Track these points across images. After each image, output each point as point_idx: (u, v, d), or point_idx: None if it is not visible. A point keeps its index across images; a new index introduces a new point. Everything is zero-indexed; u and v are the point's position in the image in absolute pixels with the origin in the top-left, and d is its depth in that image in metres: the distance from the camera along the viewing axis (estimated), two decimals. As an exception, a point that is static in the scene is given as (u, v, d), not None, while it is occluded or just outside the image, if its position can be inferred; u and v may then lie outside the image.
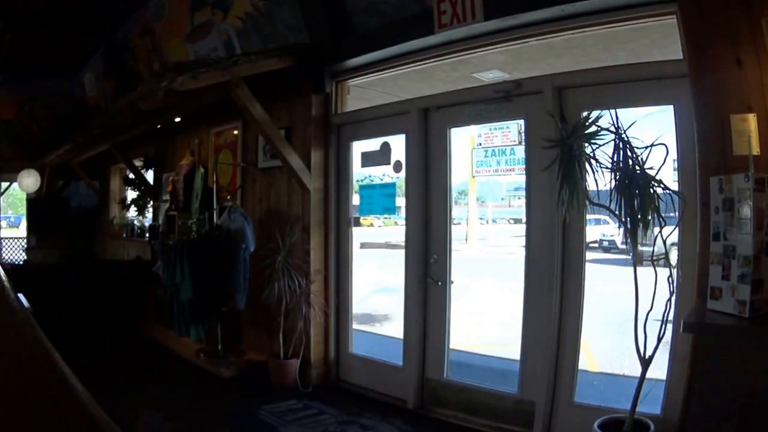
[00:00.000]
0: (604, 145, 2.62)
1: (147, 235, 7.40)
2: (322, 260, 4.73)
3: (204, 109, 5.42)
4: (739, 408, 2.01)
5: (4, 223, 16.99)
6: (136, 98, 4.67)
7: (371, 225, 23.03)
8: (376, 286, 9.96)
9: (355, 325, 4.89)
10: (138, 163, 7.74)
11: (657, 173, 2.55)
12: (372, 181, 6.18)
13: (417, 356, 4.10)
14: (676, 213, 2.67)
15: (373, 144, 4.67)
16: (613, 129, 2.59)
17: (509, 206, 28.87)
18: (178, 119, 6.08)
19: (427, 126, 4.17)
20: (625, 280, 3.11)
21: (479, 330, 6.98)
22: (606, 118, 2.63)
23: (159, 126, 6.34)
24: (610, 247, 14.63)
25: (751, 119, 2.42)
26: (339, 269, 4.77)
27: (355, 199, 4.92)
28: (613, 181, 2.61)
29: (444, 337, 4.05)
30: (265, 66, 4.38)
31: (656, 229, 2.61)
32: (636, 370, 2.68)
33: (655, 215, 2.56)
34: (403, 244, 4.31)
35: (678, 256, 2.93)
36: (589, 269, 3.39)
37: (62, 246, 8.65)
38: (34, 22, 6.81)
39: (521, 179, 4.04)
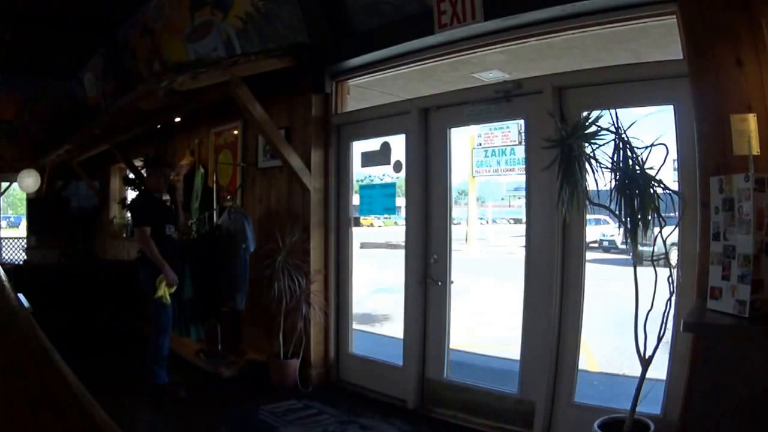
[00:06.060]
0: (604, 145, 2.62)
1: (147, 235, 7.38)
2: (322, 260, 4.73)
3: (204, 109, 5.42)
4: (739, 408, 2.01)
5: (4, 223, 16.98)
6: (136, 98, 4.67)
7: (371, 225, 23.00)
8: (376, 286, 9.95)
9: (355, 325, 4.89)
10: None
11: (657, 173, 2.55)
12: (372, 181, 6.17)
13: (417, 356, 4.10)
14: (676, 213, 2.66)
15: (373, 144, 4.67)
16: (613, 129, 2.59)
17: (509, 206, 28.84)
18: (178, 119, 6.08)
19: (427, 126, 4.17)
20: (625, 280, 3.11)
21: (479, 330, 6.98)
22: (606, 118, 2.63)
23: (159, 126, 6.33)
24: (610, 247, 14.62)
25: (751, 119, 2.42)
26: (339, 269, 4.77)
27: (355, 199, 4.91)
28: (613, 181, 2.61)
29: (444, 337, 4.05)
30: (265, 66, 4.38)
31: (656, 229, 2.60)
32: (636, 370, 2.68)
33: (655, 215, 2.55)
34: (403, 244, 4.31)
35: (678, 256, 2.93)
36: (589, 269, 3.39)
37: (62, 246, 8.65)
38: (34, 22, 6.81)
39: (521, 179, 4.04)
